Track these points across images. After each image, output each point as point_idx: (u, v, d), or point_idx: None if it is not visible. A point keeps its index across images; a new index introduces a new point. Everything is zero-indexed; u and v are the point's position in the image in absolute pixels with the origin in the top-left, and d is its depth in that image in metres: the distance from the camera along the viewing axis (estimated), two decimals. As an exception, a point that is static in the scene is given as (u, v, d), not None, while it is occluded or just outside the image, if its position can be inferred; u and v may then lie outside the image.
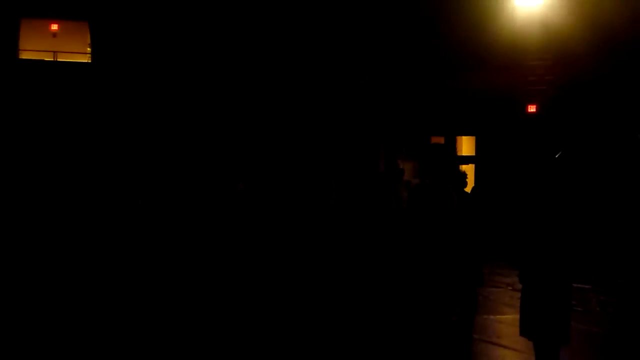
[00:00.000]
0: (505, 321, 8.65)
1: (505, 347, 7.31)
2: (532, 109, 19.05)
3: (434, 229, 5.74)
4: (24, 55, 21.02)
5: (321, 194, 12.11)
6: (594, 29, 16.64)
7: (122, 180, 16.75)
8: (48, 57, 21.17)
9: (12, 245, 13.55)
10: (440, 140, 19.82)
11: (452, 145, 20.80)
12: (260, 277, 11.33)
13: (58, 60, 21.28)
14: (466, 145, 21.97)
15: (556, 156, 5.61)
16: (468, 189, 7.82)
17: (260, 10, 20.23)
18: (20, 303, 9.04)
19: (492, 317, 8.90)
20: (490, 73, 18.79)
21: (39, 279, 10.96)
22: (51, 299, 9.30)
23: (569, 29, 16.96)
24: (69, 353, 6.79)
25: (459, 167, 7.85)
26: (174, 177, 18.04)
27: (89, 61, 21.37)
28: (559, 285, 5.30)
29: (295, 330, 7.86)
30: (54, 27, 21.79)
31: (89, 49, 21.61)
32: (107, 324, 7.90)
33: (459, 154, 21.60)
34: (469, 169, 20.02)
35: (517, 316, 5.59)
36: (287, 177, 14.78)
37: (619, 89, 17.63)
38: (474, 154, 21.23)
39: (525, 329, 5.47)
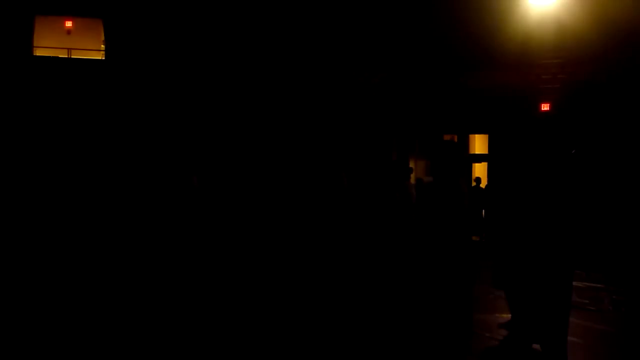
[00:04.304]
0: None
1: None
2: (545, 107, 18.99)
3: (444, 226, 5.73)
4: (39, 52, 21.17)
5: (333, 190, 12.13)
6: (608, 28, 16.56)
7: (132, 177, 16.85)
8: (62, 54, 21.29)
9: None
10: (453, 138, 19.81)
11: (462, 143, 20.79)
12: (268, 273, 11.37)
13: (72, 57, 21.41)
14: (479, 144, 21.93)
15: (570, 154, 5.59)
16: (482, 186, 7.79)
17: (277, 8, 20.26)
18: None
19: (504, 315, 8.87)
20: (503, 71, 18.76)
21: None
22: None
23: (583, 28, 16.89)
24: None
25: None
26: (185, 174, 18.12)
27: (103, 58, 21.50)
28: (560, 285, 5.26)
29: (310, 323, 7.90)
30: (68, 24, 21.91)
31: (102, 46, 21.74)
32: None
33: (471, 152, 21.57)
34: (481, 167, 19.97)
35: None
36: (300, 173, 14.79)
37: (632, 88, 17.54)
38: (486, 152, 21.19)
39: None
